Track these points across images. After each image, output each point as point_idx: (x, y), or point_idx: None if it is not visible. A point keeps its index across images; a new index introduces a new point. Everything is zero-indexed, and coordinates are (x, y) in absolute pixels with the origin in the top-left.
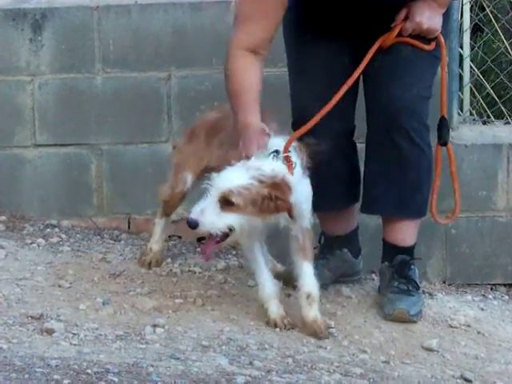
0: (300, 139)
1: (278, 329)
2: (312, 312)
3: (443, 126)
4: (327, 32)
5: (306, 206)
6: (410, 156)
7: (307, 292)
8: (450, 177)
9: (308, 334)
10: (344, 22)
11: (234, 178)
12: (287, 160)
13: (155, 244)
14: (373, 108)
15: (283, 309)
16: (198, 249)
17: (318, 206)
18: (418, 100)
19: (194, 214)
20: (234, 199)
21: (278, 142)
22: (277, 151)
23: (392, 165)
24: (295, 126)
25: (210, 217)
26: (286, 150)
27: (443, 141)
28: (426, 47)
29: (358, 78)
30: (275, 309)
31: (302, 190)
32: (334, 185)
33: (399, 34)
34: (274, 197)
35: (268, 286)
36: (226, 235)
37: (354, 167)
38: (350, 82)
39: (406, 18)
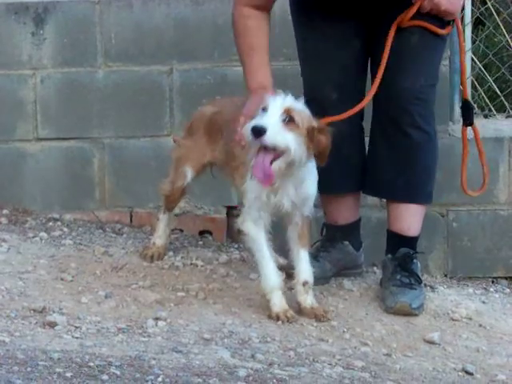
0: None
1: (280, 322)
2: (309, 298)
3: (467, 108)
4: (336, 13)
5: (312, 190)
6: (419, 142)
7: (304, 279)
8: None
9: (309, 319)
10: (353, 1)
11: (291, 100)
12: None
13: (159, 239)
14: (381, 96)
15: (286, 301)
16: (254, 171)
17: (324, 188)
18: (426, 88)
19: (261, 121)
20: (296, 117)
21: None
22: None
23: (402, 151)
24: (311, 104)
25: (275, 128)
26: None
27: (469, 121)
28: (442, 31)
29: (367, 64)
30: (278, 301)
31: (309, 174)
32: (342, 168)
33: (417, 12)
34: (320, 130)
35: (272, 277)
36: (278, 155)
37: (362, 153)
38: (380, 73)
39: None
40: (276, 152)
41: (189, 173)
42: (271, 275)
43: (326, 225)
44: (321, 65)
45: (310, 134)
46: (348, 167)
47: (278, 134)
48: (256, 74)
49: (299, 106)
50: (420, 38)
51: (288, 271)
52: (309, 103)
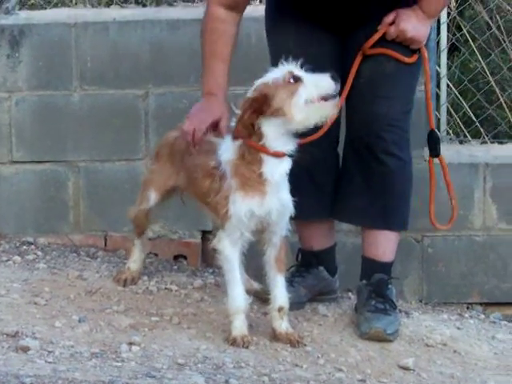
0: None
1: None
2: (284, 324)
3: (433, 139)
4: (309, 20)
5: (289, 199)
6: (394, 169)
7: (280, 305)
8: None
9: (284, 344)
10: (326, 10)
11: None
12: None
13: (133, 263)
14: (355, 122)
15: (247, 327)
16: None
17: (298, 214)
18: (401, 115)
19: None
20: None
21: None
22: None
23: (376, 178)
24: None
25: None
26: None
27: (435, 153)
28: (407, 60)
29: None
30: (239, 325)
31: (286, 193)
32: (316, 195)
33: (384, 39)
34: None
35: (239, 299)
36: None
37: (336, 179)
38: (343, 98)
39: (393, 23)
40: None
41: (152, 196)
42: (238, 298)
43: (300, 250)
44: None
45: None
46: (322, 194)
47: None
48: (210, 80)
49: None
50: (396, 65)
51: (263, 296)
52: None
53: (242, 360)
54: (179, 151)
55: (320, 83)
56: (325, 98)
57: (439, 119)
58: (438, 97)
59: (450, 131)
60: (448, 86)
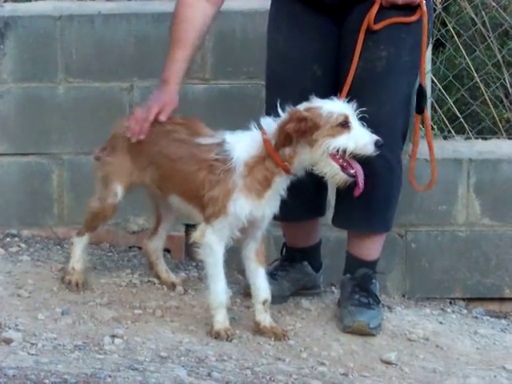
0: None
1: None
2: (267, 318)
3: (421, 94)
4: (299, 31)
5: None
6: (381, 173)
7: (264, 298)
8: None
9: (268, 338)
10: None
11: None
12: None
13: (77, 263)
14: None
15: (228, 320)
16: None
17: (281, 216)
18: (393, 116)
19: (374, 136)
20: None
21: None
22: None
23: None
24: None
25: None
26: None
27: (420, 109)
28: (410, 19)
29: (330, 90)
30: (221, 319)
31: (278, 199)
32: (298, 196)
33: (383, 9)
34: None
35: (221, 294)
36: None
37: (319, 181)
38: (354, 65)
39: None
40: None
41: (119, 190)
42: (221, 292)
43: (285, 244)
44: (279, 88)
45: None
46: (305, 196)
47: None
48: (168, 67)
49: None
50: (386, 64)
51: (245, 290)
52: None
53: (224, 353)
54: (142, 144)
55: (362, 143)
56: (348, 165)
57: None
58: None
59: (435, 127)
60: (433, 81)
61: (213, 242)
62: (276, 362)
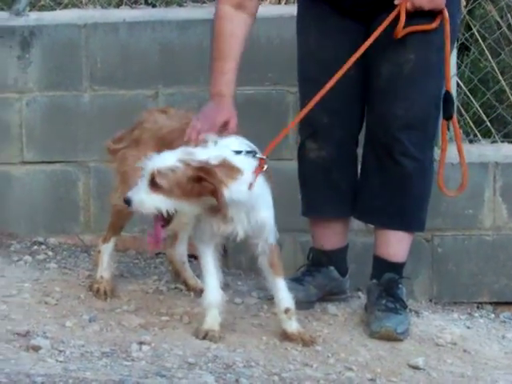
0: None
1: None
2: (294, 324)
3: (448, 101)
4: (332, 10)
5: (267, 217)
6: (411, 171)
7: (285, 307)
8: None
9: (296, 344)
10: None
11: (162, 160)
12: (261, 162)
13: (105, 271)
14: (374, 123)
15: (219, 324)
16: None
17: (311, 212)
18: (423, 117)
19: (131, 192)
20: (158, 180)
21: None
22: (254, 152)
23: (393, 179)
24: (302, 127)
25: (140, 196)
26: (267, 151)
27: (448, 115)
28: (431, 27)
29: (365, 91)
30: (210, 320)
31: (262, 199)
32: (331, 193)
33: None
34: (198, 179)
35: (212, 294)
36: (168, 220)
37: (352, 179)
38: (350, 62)
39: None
40: (163, 217)
41: None
42: (212, 292)
43: (312, 249)
44: (311, 89)
45: (189, 183)
46: (337, 193)
47: (141, 201)
48: (218, 80)
49: (169, 164)
50: (414, 67)
51: (272, 296)
52: (302, 123)
53: (252, 359)
54: (173, 139)
55: None
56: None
57: None
58: None
59: (461, 130)
60: (458, 85)
61: (201, 247)
62: (303, 367)
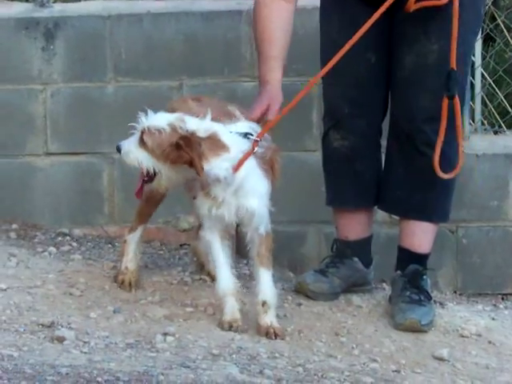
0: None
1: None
2: (267, 318)
3: (451, 79)
4: (352, 20)
5: (257, 205)
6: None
7: (263, 299)
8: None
9: (260, 336)
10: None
11: (154, 119)
12: (253, 144)
13: (130, 262)
14: (398, 114)
15: (239, 311)
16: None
17: (335, 202)
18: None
19: (123, 142)
20: (145, 138)
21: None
22: (249, 134)
23: (418, 170)
24: (326, 117)
25: (129, 148)
26: (261, 134)
27: (451, 94)
28: (440, 2)
29: (385, 78)
30: (229, 310)
31: (252, 184)
32: (355, 183)
33: None
34: (178, 146)
35: (225, 282)
36: (151, 177)
37: (376, 169)
38: (355, 38)
39: None
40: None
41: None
42: (224, 280)
43: (336, 240)
44: (334, 78)
45: (170, 148)
46: (361, 182)
47: (129, 152)
48: (260, 67)
49: (158, 125)
50: (438, 57)
51: (296, 287)
52: (324, 113)
53: (276, 350)
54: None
55: None
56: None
57: (474, 109)
58: (472, 87)
59: (485, 122)
60: (483, 76)
61: (206, 233)
62: (328, 358)
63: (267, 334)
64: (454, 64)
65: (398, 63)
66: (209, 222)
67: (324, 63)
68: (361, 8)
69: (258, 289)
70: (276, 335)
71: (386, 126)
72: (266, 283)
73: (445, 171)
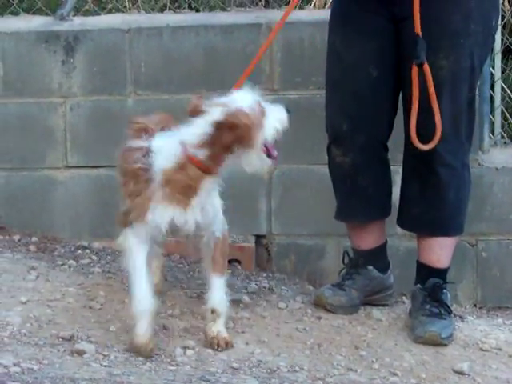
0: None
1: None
2: (215, 327)
3: (418, 45)
4: (362, 6)
5: (218, 203)
6: (448, 180)
7: (212, 307)
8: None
9: (205, 347)
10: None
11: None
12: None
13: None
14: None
15: (150, 333)
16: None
17: (345, 217)
18: (456, 122)
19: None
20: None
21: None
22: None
23: (430, 188)
24: (327, 132)
25: None
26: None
27: (419, 61)
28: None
29: (387, 93)
30: (141, 331)
31: (211, 206)
32: (360, 198)
33: None
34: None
35: (144, 301)
36: None
37: (381, 183)
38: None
39: None
40: None
41: None
42: (143, 299)
43: (346, 252)
44: (333, 92)
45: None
46: (366, 197)
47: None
48: None
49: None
50: (447, 73)
51: (315, 301)
52: (326, 128)
53: (296, 364)
54: None
55: (283, 119)
56: (268, 149)
57: (493, 122)
58: (492, 100)
59: (505, 135)
60: (502, 88)
61: (133, 245)
62: (348, 372)
63: (211, 344)
64: (418, 29)
65: (405, 81)
66: (142, 229)
67: (328, 74)
68: (367, 17)
69: (209, 295)
70: (220, 346)
71: (396, 140)
72: (217, 291)
73: (450, 181)
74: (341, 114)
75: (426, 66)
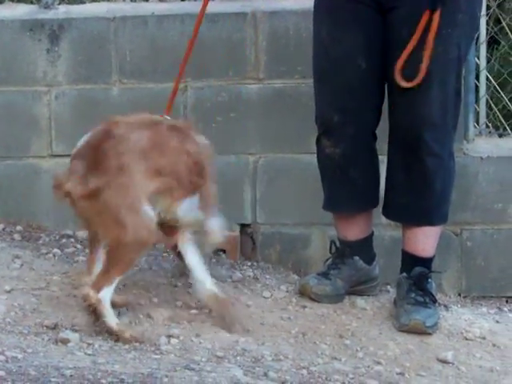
0: None
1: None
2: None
3: None
4: (343, 25)
5: None
6: (434, 169)
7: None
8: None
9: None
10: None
11: None
12: None
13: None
14: (397, 122)
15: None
16: None
17: (332, 207)
18: (443, 112)
19: None
20: None
21: None
22: None
23: (417, 177)
24: (317, 122)
25: None
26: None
27: (435, 6)
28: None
29: (376, 85)
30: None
31: None
32: (348, 189)
33: None
34: None
35: None
36: None
37: (371, 174)
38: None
39: None
40: None
41: None
42: None
43: (333, 242)
44: (323, 84)
45: None
46: (355, 188)
47: None
48: None
49: None
50: (435, 63)
51: (300, 290)
52: (316, 119)
53: (280, 353)
54: None
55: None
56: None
57: (478, 112)
58: (477, 89)
59: (490, 124)
60: (487, 78)
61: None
62: (332, 361)
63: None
64: None
65: (391, 70)
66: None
67: (315, 66)
68: (351, 9)
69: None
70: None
71: (380, 130)
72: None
73: (437, 170)
74: (331, 106)
75: (437, 15)
